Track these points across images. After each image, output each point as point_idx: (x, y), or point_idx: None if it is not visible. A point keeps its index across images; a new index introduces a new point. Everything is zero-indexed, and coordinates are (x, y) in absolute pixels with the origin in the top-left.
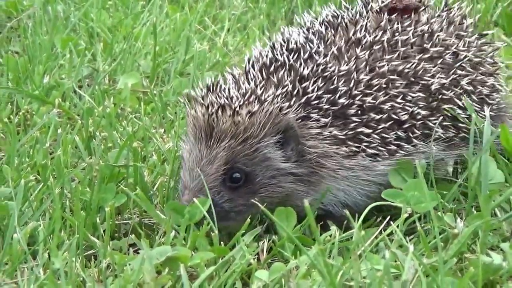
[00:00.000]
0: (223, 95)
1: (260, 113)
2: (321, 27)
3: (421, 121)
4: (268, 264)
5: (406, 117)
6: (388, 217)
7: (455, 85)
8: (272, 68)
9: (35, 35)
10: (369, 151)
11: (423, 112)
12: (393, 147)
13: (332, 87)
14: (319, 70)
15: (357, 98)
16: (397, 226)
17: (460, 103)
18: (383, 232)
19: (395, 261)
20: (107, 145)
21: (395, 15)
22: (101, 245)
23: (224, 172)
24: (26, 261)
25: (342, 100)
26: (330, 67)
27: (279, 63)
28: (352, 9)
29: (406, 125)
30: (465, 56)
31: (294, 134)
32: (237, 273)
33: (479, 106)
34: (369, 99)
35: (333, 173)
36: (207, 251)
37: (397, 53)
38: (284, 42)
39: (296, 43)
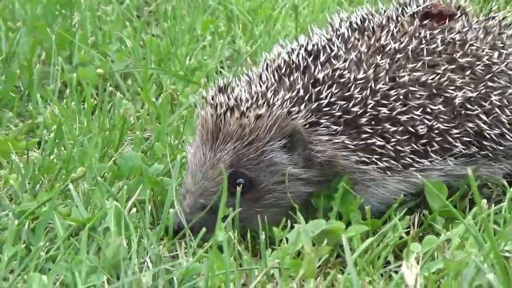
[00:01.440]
0: (233, 97)
1: (268, 117)
2: (348, 30)
3: (441, 136)
4: (419, 238)
5: (424, 131)
6: None
7: (485, 98)
8: (285, 70)
9: (174, 18)
10: (381, 164)
11: (443, 126)
12: (408, 161)
13: (347, 94)
14: (336, 75)
15: (372, 108)
16: None
17: (487, 120)
18: None
19: None
20: None
21: (428, 20)
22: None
23: (228, 176)
24: (184, 236)
25: (355, 109)
26: (347, 74)
27: (294, 65)
28: (385, 12)
29: (424, 140)
30: (499, 68)
31: (301, 139)
32: (391, 246)
33: (510, 125)
34: (384, 109)
35: (344, 172)
36: (360, 224)
37: (421, 62)
38: (305, 42)
39: (316, 45)
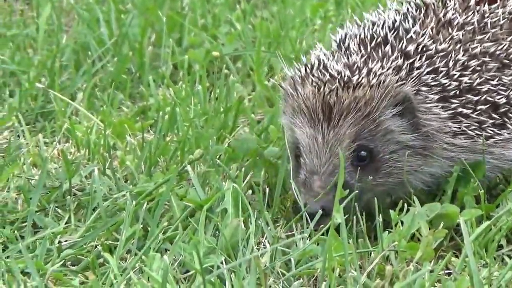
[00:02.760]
0: (330, 71)
1: (379, 86)
2: (411, 7)
3: None
4: None
5: (503, 100)
6: None
7: None
8: (373, 44)
9: (282, 2)
10: (470, 133)
11: None
12: (489, 132)
13: (434, 66)
14: (420, 49)
15: (456, 79)
16: None
17: None
18: None
19: None
20: None
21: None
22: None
23: (353, 150)
24: (301, 218)
25: (444, 80)
26: (429, 46)
27: (380, 39)
28: None
29: (502, 110)
30: None
31: (411, 106)
32: (504, 230)
33: None
34: (466, 79)
35: (442, 150)
36: (473, 208)
37: (488, 35)
38: (380, 21)
39: (393, 22)
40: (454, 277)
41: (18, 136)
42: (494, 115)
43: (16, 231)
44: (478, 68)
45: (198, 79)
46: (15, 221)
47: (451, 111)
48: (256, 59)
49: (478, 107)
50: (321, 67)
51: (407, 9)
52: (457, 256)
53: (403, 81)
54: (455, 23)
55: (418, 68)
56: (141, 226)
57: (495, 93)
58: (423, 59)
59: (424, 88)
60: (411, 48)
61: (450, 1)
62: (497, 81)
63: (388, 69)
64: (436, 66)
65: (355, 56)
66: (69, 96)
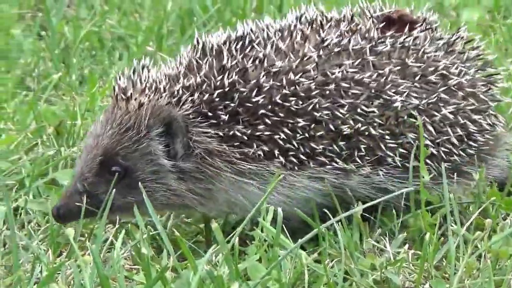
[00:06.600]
0: (136, 81)
1: (149, 104)
2: (297, 22)
3: (371, 142)
4: None
5: (348, 131)
6: None
7: (436, 110)
8: (200, 55)
9: None
10: (283, 159)
11: (375, 132)
12: (321, 159)
13: (252, 81)
14: (249, 63)
15: (283, 99)
16: None
17: (434, 134)
18: None
19: None
20: None
21: (386, 25)
22: None
23: (100, 162)
24: None
25: (258, 98)
26: (262, 60)
27: (213, 51)
28: (352, 17)
29: (350, 141)
30: (456, 81)
31: (179, 127)
32: None
33: (458, 144)
34: (300, 102)
35: (222, 173)
36: None
37: (364, 60)
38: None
39: (249, 32)
40: None
41: None
42: (336, 145)
43: None
44: (333, 93)
45: None
46: None
47: (265, 134)
48: None
49: (309, 134)
50: (142, 73)
51: (290, 21)
52: None
53: (185, 103)
54: (326, 43)
55: (221, 87)
56: None
57: (340, 121)
58: (240, 74)
59: (216, 109)
60: (233, 62)
61: (342, 22)
62: (349, 110)
63: (178, 89)
64: (254, 82)
65: (178, 67)
66: None
